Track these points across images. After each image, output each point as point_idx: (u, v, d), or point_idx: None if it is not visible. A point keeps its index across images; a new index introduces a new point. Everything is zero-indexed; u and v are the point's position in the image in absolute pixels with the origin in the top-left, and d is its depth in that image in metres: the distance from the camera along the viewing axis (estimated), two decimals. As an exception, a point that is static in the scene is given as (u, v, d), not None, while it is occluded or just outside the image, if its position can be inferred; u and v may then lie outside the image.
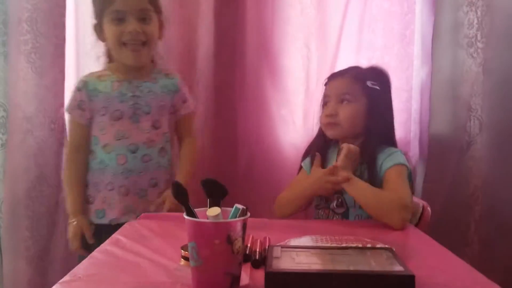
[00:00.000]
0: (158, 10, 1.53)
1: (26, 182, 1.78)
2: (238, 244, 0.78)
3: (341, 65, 1.81)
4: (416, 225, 1.40)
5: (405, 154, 1.87)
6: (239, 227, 0.78)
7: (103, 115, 1.49)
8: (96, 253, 1.00)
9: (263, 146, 1.95)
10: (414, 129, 1.95)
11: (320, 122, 1.51)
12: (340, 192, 1.40)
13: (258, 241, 1.02)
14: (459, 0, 1.83)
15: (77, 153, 1.53)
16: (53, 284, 1.87)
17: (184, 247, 0.94)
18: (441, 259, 1.01)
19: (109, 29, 1.46)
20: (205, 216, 0.80)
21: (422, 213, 1.44)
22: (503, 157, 1.85)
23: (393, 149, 1.44)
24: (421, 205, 1.47)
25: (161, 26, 1.56)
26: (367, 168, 1.39)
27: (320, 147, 1.52)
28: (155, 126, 1.52)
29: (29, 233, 1.79)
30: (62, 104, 1.83)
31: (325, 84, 1.54)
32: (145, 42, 1.48)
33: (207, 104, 1.91)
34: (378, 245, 0.95)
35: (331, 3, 1.91)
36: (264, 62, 1.93)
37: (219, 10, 1.88)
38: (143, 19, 1.47)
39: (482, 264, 1.82)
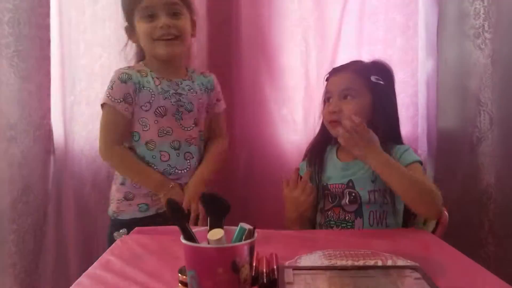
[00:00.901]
0: (189, 6, 1.51)
1: (11, 194, 1.71)
2: (245, 271, 0.67)
3: (341, 60, 1.74)
4: (434, 231, 1.31)
5: (414, 151, 1.82)
6: (246, 251, 0.67)
7: (147, 111, 1.45)
8: (83, 278, 0.89)
9: (263, 146, 1.88)
10: (422, 124, 1.87)
11: (323, 119, 1.45)
12: (352, 187, 1.35)
13: (265, 259, 0.91)
14: (464, -12, 1.75)
15: (122, 146, 1.46)
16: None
17: (182, 271, 0.83)
18: (469, 273, 0.91)
19: (141, 27, 1.45)
20: (206, 238, 0.70)
21: (438, 219, 1.35)
22: (515, 152, 1.76)
23: (404, 146, 1.41)
24: None
25: (193, 23, 1.54)
26: None
27: (322, 146, 1.48)
28: (196, 124, 1.52)
29: (15, 248, 1.72)
30: (48, 110, 1.77)
31: (327, 80, 1.48)
32: (178, 36, 1.46)
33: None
34: (401, 262, 0.85)
35: (329, -7, 1.83)
36: (261, 58, 1.85)
37: (212, 5, 1.81)
38: (174, 13, 1.45)
39: (498, 267, 1.76)
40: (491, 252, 1.77)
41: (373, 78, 1.41)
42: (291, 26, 1.83)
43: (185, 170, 1.48)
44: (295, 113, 1.84)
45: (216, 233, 0.68)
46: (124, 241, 1.14)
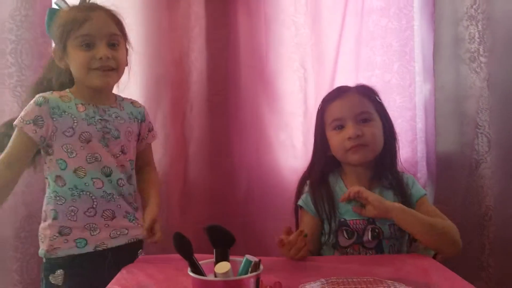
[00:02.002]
0: (125, 36, 1.49)
1: (14, 222, 1.72)
2: (252, 304, 0.68)
3: (340, 85, 1.75)
4: (435, 256, 1.32)
5: (414, 175, 1.84)
6: (252, 284, 0.69)
7: (70, 136, 1.37)
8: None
9: (262, 172, 1.89)
10: (421, 148, 1.89)
11: (341, 148, 1.38)
12: (373, 222, 1.33)
13: (269, 288, 0.93)
14: (458, 14, 1.79)
15: (12, 168, 1.36)
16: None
17: (189, 302, 0.84)
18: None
19: (77, 54, 1.38)
20: (212, 269, 0.71)
21: None
22: (514, 175, 1.78)
23: (410, 176, 1.42)
24: None
25: (127, 52, 1.51)
26: (400, 197, 1.34)
27: (324, 177, 1.44)
28: (123, 152, 1.45)
29: (18, 276, 1.73)
30: None
31: (323, 108, 1.45)
32: (114, 68, 1.42)
33: (202, 130, 1.86)
34: (403, 289, 0.86)
35: (326, 21, 1.86)
36: (260, 85, 1.87)
37: (211, 34, 1.84)
38: (112, 44, 1.41)
39: (500, 287, 1.77)
40: (492, 274, 1.79)
41: (377, 98, 1.43)
42: (289, 52, 1.86)
43: (121, 197, 1.42)
44: (294, 138, 1.85)
45: (223, 267, 0.70)
46: (129, 270, 1.15)
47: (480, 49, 1.78)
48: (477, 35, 1.78)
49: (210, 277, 0.70)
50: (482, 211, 1.79)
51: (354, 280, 0.96)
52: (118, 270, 1.18)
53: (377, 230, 1.32)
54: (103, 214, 1.38)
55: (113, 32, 1.42)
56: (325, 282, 0.95)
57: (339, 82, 1.82)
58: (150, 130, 1.58)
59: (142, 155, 1.57)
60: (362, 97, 1.39)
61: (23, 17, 1.72)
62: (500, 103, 1.79)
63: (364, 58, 1.87)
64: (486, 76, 1.77)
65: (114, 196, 1.40)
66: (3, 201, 1.39)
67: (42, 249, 1.40)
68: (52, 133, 1.36)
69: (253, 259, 0.72)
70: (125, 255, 1.35)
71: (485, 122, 1.78)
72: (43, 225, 1.42)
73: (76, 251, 1.36)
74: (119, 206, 1.41)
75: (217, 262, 0.73)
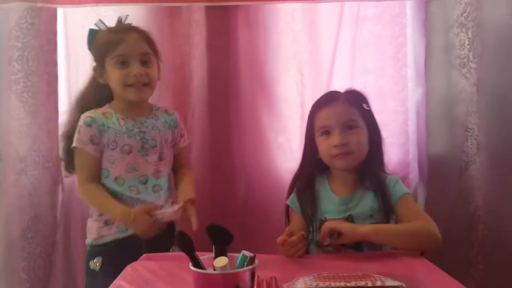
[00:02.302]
0: (156, 54, 1.62)
1: (21, 223, 1.78)
2: (248, 294, 0.75)
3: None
4: (422, 253, 1.37)
5: (406, 176, 1.89)
6: (248, 276, 0.76)
7: (113, 149, 1.54)
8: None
9: (261, 174, 1.94)
10: (413, 150, 1.95)
11: (327, 154, 1.43)
12: (352, 221, 1.38)
13: (265, 282, 0.99)
14: (449, 22, 1.85)
15: (95, 183, 1.55)
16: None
17: (191, 295, 0.91)
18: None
19: (114, 72, 1.54)
20: (211, 264, 0.78)
21: None
22: (502, 176, 1.85)
23: (394, 177, 1.45)
24: None
25: (159, 68, 1.64)
26: (380, 198, 1.38)
27: (312, 179, 1.50)
28: (161, 158, 1.60)
29: (25, 275, 1.79)
30: (56, 142, 1.83)
31: (313, 114, 1.50)
32: (147, 84, 1.56)
33: (203, 134, 1.91)
34: (389, 282, 0.93)
35: (322, 28, 1.92)
36: (259, 90, 1.93)
37: (212, 41, 1.89)
38: (144, 62, 1.56)
39: (488, 284, 1.84)
40: (481, 271, 1.85)
41: (365, 106, 1.47)
42: (287, 59, 1.92)
43: (154, 202, 1.55)
44: (292, 141, 1.91)
45: (221, 261, 0.77)
46: (134, 267, 1.21)
47: (470, 55, 1.83)
48: (467, 42, 1.83)
49: (210, 271, 0.77)
50: (471, 211, 1.85)
51: (344, 274, 1.03)
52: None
53: None
54: None
55: (145, 51, 1.57)
56: (316, 276, 1.02)
57: (335, 87, 1.83)
58: (182, 135, 1.71)
59: (177, 159, 1.69)
60: (349, 105, 1.44)
61: (29, 25, 1.78)
62: (489, 107, 1.84)
63: (359, 64, 1.93)
64: (475, 81, 1.83)
65: (147, 202, 1.54)
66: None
67: (89, 238, 1.57)
68: (103, 147, 1.54)
69: (249, 254, 0.79)
70: (159, 242, 1.46)
71: (474, 125, 1.84)
72: (90, 221, 1.60)
73: (120, 235, 1.52)
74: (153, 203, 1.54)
75: (216, 257, 0.80)
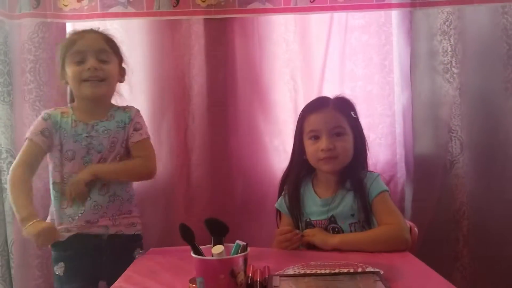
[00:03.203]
0: (117, 54, 1.64)
1: (35, 223, 1.87)
2: (241, 277, 0.88)
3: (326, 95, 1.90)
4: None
5: (393, 176, 1.98)
6: (241, 262, 0.89)
7: (59, 151, 1.56)
8: (112, 289, 1.10)
9: (257, 175, 2.04)
10: (400, 151, 2.05)
11: (314, 157, 1.49)
12: (335, 222, 1.47)
13: (259, 270, 1.12)
14: (432, 30, 1.96)
15: (29, 173, 1.55)
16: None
17: (192, 281, 1.04)
18: (425, 278, 1.10)
19: (70, 69, 1.56)
20: (210, 253, 0.91)
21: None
22: (484, 174, 1.96)
23: (374, 174, 1.51)
24: (408, 226, 1.52)
25: (121, 71, 1.67)
26: (359, 197, 1.46)
27: (299, 182, 1.56)
28: (99, 162, 1.58)
29: (39, 271, 1.89)
30: None
31: (303, 117, 1.55)
32: (103, 79, 1.57)
33: (203, 138, 2.01)
34: (368, 269, 1.05)
35: (313, 38, 2.03)
36: (255, 96, 2.04)
37: (210, 51, 2.00)
38: (102, 60, 1.57)
39: (473, 276, 1.95)
40: (467, 264, 1.96)
41: (352, 114, 1.53)
42: (280, 66, 2.03)
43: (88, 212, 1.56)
44: (286, 144, 1.99)
45: (218, 249, 0.89)
46: (141, 260, 1.34)
47: (453, 61, 1.95)
48: (449, 49, 1.95)
49: (208, 257, 0.90)
50: (456, 207, 1.96)
51: (330, 263, 1.15)
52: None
53: (337, 229, 1.46)
54: None
55: (102, 47, 1.59)
56: (305, 265, 1.14)
57: (326, 93, 1.94)
58: (137, 129, 1.64)
59: (133, 153, 1.63)
60: (338, 112, 1.50)
61: (40, 39, 1.91)
62: (471, 109, 1.96)
63: (348, 71, 2.03)
64: (458, 85, 1.95)
65: (79, 213, 1.56)
66: None
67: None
68: (51, 144, 1.57)
69: (242, 243, 0.92)
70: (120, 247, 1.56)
71: (457, 126, 1.96)
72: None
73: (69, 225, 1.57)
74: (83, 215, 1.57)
75: (214, 246, 0.93)
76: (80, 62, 1.55)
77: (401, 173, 2.05)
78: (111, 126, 1.61)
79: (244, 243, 0.92)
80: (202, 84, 2.01)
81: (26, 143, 1.57)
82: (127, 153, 1.63)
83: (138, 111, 1.69)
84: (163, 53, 2.00)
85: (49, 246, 1.61)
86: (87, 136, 1.57)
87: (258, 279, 1.05)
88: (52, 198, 1.60)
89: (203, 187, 2.01)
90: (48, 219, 1.61)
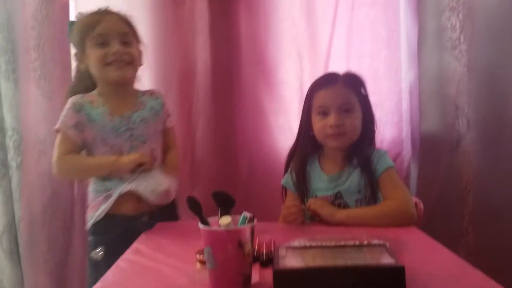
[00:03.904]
0: (136, 36, 1.62)
1: (42, 200, 1.89)
2: (248, 247, 0.88)
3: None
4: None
5: (399, 153, 1.99)
6: (248, 232, 0.89)
7: (104, 145, 1.52)
8: (120, 262, 1.11)
9: (263, 154, 2.05)
10: (406, 129, 2.05)
11: (322, 133, 1.49)
12: (341, 197, 1.47)
13: (264, 243, 1.13)
14: (441, 6, 1.93)
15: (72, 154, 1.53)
16: (75, 294, 1.94)
17: (199, 252, 1.05)
18: (431, 251, 1.11)
19: (93, 53, 1.52)
20: (217, 224, 0.91)
21: None
22: (491, 152, 1.93)
23: (381, 151, 1.51)
24: (413, 202, 1.52)
25: (139, 53, 1.62)
26: (366, 174, 1.45)
27: (306, 159, 1.56)
28: (152, 151, 1.57)
29: (47, 247, 1.90)
30: None
31: (312, 93, 1.53)
32: (129, 62, 1.54)
33: (207, 116, 2.02)
34: (374, 242, 1.05)
35: (319, 14, 2.02)
36: (260, 73, 2.03)
37: (215, 27, 1.99)
38: (124, 42, 1.54)
39: (477, 252, 1.93)
40: (471, 240, 1.95)
41: (362, 91, 1.53)
42: (286, 44, 2.02)
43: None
44: (291, 122, 1.99)
45: (226, 220, 0.89)
46: (149, 234, 1.35)
47: (461, 38, 1.91)
48: (458, 25, 1.91)
49: (216, 228, 0.90)
50: (462, 185, 1.95)
51: (336, 237, 1.14)
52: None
53: (343, 205, 1.46)
54: None
55: (124, 31, 1.55)
56: (311, 238, 1.14)
57: (332, 70, 1.97)
58: (168, 115, 1.67)
59: (164, 139, 1.65)
60: (347, 89, 1.48)
61: (44, 16, 1.88)
62: (479, 87, 1.92)
63: (355, 47, 2.02)
64: (466, 62, 1.91)
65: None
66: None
67: (90, 221, 1.57)
68: (92, 141, 1.53)
69: (249, 214, 0.92)
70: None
71: (464, 104, 1.93)
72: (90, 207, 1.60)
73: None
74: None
75: (221, 218, 0.93)
76: (103, 44, 1.52)
77: (407, 150, 2.05)
78: (146, 115, 1.58)
79: (251, 215, 0.92)
80: (206, 61, 2.00)
81: (59, 137, 1.53)
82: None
83: (163, 97, 1.69)
84: (166, 30, 1.99)
85: (87, 230, 1.59)
86: (127, 129, 1.54)
87: (264, 251, 1.06)
88: (98, 187, 1.55)
89: (207, 165, 2.02)
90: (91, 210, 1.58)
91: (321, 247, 1.01)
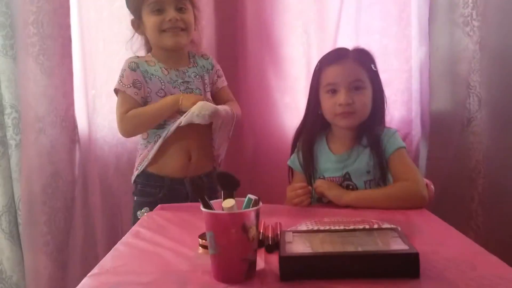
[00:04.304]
0: (192, 2, 1.65)
1: (42, 179, 1.86)
2: (252, 232, 0.84)
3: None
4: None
5: (408, 133, 1.94)
6: (253, 216, 0.84)
7: (162, 96, 1.59)
8: (119, 245, 1.07)
9: (269, 133, 2.01)
10: (416, 108, 1.99)
11: (331, 112, 1.44)
12: (349, 179, 1.43)
13: (270, 226, 1.09)
14: (453, -20, 1.86)
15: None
16: (74, 276, 1.96)
17: (202, 236, 1.00)
18: (444, 235, 1.07)
19: (149, 19, 1.58)
20: (221, 207, 0.86)
21: None
22: (502, 132, 1.89)
23: (391, 130, 1.47)
24: (424, 183, 1.48)
25: (195, 18, 1.66)
26: (375, 154, 1.41)
27: (313, 138, 1.52)
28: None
29: (47, 228, 1.88)
30: (71, 103, 1.92)
31: (321, 70, 1.48)
32: (184, 29, 1.59)
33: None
34: (384, 226, 1.01)
35: (327, -12, 1.95)
36: (266, 50, 1.97)
37: (219, 2, 1.93)
38: (180, 8, 1.59)
39: (486, 234, 1.91)
40: (480, 222, 1.92)
41: (373, 67, 1.47)
42: (293, 19, 1.95)
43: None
44: (297, 101, 1.94)
45: (229, 202, 0.85)
46: (150, 216, 1.31)
47: (473, 14, 1.85)
48: (470, 0, 1.85)
49: (219, 211, 0.85)
50: (472, 165, 1.90)
51: (344, 220, 1.11)
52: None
53: (351, 187, 1.42)
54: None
55: None
56: (318, 221, 1.10)
57: (345, 46, 1.91)
58: (220, 76, 1.76)
59: (218, 98, 1.73)
60: (357, 65, 1.44)
61: (42, -10, 1.82)
62: (491, 65, 1.87)
63: (364, 23, 1.95)
64: (478, 39, 1.85)
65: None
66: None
67: (137, 170, 1.64)
68: (148, 94, 1.58)
69: (254, 197, 0.87)
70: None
71: (476, 82, 1.87)
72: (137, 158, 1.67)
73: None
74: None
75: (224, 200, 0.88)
76: (159, 11, 1.57)
77: (416, 130, 2.00)
78: (199, 71, 1.68)
79: (256, 197, 0.87)
80: (210, 37, 1.94)
81: (120, 96, 1.59)
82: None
83: (214, 58, 1.77)
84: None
85: (133, 187, 1.66)
86: (183, 82, 1.62)
87: (270, 235, 1.02)
88: (150, 139, 1.60)
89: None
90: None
91: (330, 231, 0.98)
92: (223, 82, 1.76)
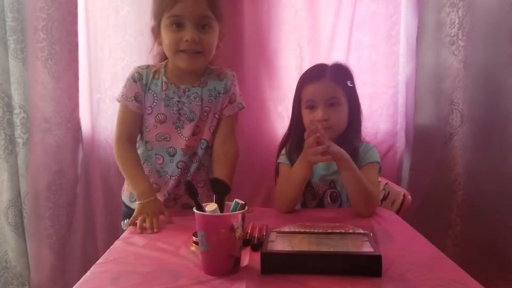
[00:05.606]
0: (219, 18, 1.46)
1: (47, 177, 1.96)
2: (239, 232, 0.96)
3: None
4: (397, 212, 1.55)
5: (392, 145, 2.04)
6: (240, 218, 0.96)
7: (149, 114, 1.48)
8: (118, 242, 1.18)
9: (261, 139, 2.10)
10: (401, 121, 2.10)
11: (306, 125, 1.52)
12: (334, 187, 1.53)
13: (257, 228, 1.20)
14: (441, 1, 1.97)
15: (128, 143, 1.49)
16: (74, 268, 2.05)
17: (195, 234, 1.12)
18: (413, 241, 1.17)
19: (166, 35, 1.42)
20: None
21: (402, 201, 1.56)
22: (482, 147, 2.01)
23: (369, 145, 1.56)
24: (402, 193, 1.59)
25: (221, 35, 1.50)
26: None
27: (297, 142, 1.56)
28: (194, 133, 1.50)
29: (50, 222, 1.98)
30: (77, 105, 2.02)
31: (301, 87, 1.56)
32: (201, 52, 1.43)
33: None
34: (358, 231, 1.12)
35: (322, 6, 2.06)
36: (261, 62, 2.08)
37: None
38: (202, 26, 1.41)
39: (464, 243, 2.02)
40: (459, 231, 2.03)
41: (349, 83, 1.55)
42: (288, 33, 2.06)
43: (173, 178, 1.51)
44: (290, 110, 1.94)
45: (212, 206, 0.97)
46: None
47: (459, 34, 1.96)
48: (457, 21, 1.96)
49: (207, 213, 0.97)
50: (453, 178, 2.01)
51: (324, 224, 1.22)
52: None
53: (335, 194, 1.52)
54: (153, 184, 1.50)
55: (203, 14, 1.40)
56: (300, 224, 1.21)
57: (331, 61, 2.01)
58: (232, 101, 1.54)
59: (221, 128, 1.54)
60: (334, 83, 1.51)
61: (53, -1, 1.92)
62: (474, 83, 1.98)
63: (355, 40, 2.06)
64: (463, 58, 1.96)
65: (168, 175, 1.51)
66: None
67: (123, 197, 1.63)
68: (145, 107, 1.49)
69: (240, 202, 0.99)
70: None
71: (459, 99, 1.98)
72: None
73: (131, 205, 1.55)
74: (166, 183, 1.52)
75: (216, 204, 1.00)
76: (178, 26, 1.40)
77: (400, 142, 2.11)
78: (203, 94, 1.50)
79: (243, 202, 0.99)
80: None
81: (121, 109, 1.50)
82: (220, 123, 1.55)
83: (233, 77, 1.57)
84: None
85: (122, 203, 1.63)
86: (178, 102, 1.48)
87: (256, 235, 1.14)
88: (146, 155, 1.53)
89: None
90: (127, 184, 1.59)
91: (309, 233, 1.09)
92: (231, 110, 1.54)
